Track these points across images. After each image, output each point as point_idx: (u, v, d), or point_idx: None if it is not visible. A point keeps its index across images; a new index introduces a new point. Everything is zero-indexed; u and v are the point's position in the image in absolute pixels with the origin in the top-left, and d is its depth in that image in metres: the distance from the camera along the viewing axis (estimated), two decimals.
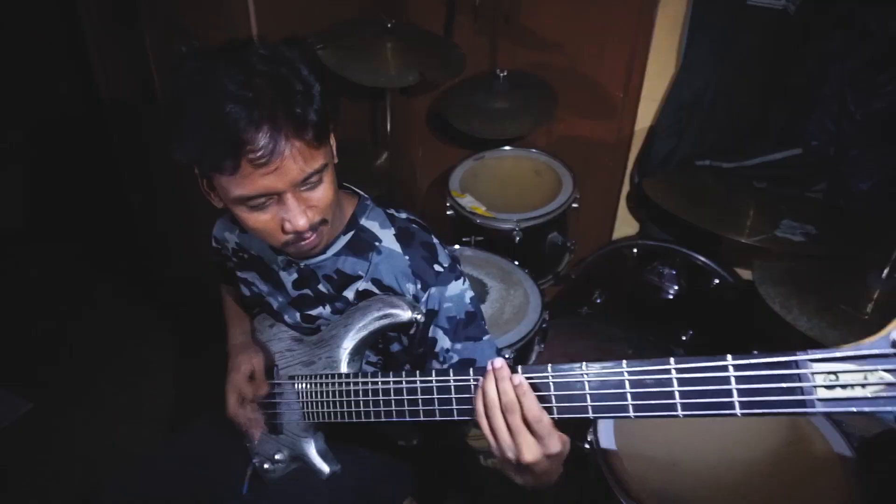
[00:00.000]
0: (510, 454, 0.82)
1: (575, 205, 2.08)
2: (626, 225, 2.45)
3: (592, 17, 2.17)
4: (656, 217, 2.27)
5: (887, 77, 1.67)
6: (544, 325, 1.75)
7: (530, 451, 0.80)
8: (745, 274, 1.98)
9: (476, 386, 0.86)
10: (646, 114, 2.20)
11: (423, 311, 1.06)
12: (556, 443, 0.81)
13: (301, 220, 0.93)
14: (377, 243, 1.09)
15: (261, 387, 1.19)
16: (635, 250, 2.13)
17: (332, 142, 1.00)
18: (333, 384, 1.04)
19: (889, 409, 0.60)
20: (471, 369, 0.87)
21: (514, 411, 0.80)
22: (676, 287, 1.98)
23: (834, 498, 1.20)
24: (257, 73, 0.86)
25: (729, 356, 0.68)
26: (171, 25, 2.02)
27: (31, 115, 2.98)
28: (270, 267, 1.18)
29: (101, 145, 2.65)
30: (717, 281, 1.99)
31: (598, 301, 1.97)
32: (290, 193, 0.91)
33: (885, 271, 1.48)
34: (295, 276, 1.14)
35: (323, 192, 0.95)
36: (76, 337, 2.53)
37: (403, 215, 1.13)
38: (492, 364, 0.82)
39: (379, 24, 2.04)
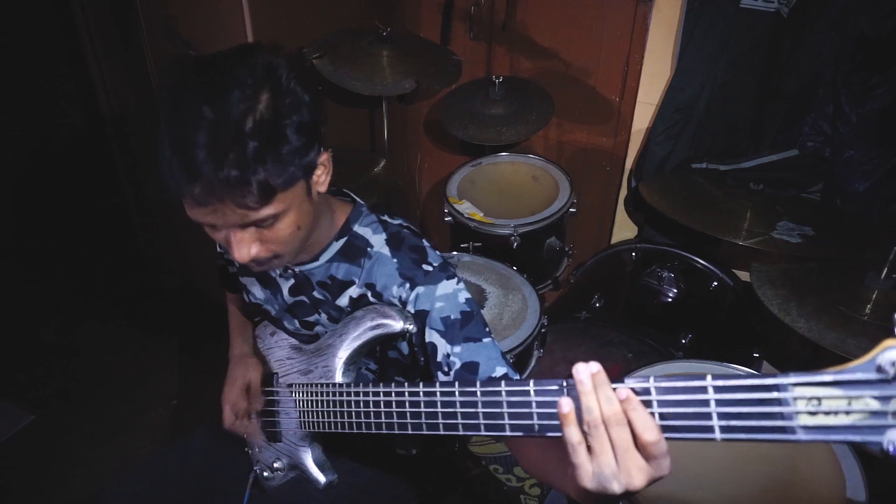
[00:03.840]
0: (615, 484, 0.66)
1: (572, 209, 2.08)
2: (624, 229, 2.45)
3: (587, 22, 2.18)
4: (654, 220, 2.27)
5: (881, 78, 1.67)
6: (543, 331, 1.75)
7: (641, 475, 0.66)
8: (744, 276, 1.98)
9: (535, 399, 0.74)
10: (642, 118, 2.21)
11: (412, 312, 1.03)
12: (668, 462, 0.67)
13: (242, 255, 0.90)
14: (369, 248, 1.09)
15: (255, 400, 1.18)
16: (634, 254, 2.13)
17: (320, 172, 0.95)
18: (329, 393, 1.03)
19: (874, 438, 0.55)
20: (478, 382, 0.80)
21: (623, 425, 0.66)
22: (675, 290, 1.97)
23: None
24: (219, 113, 0.81)
25: (709, 376, 0.64)
26: (169, 36, 2.04)
27: (32, 125, 3.00)
28: (269, 273, 1.18)
29: (101, 154, 2.67)
30: (715, 283, 1.99)
31: (597, 305, 1.97)
32: (231, 231, 0.89)
33: (884, 272, 1.48)
34: (292, 281, 1.15)
35: (278, 232, 0.92)
36: (75, 347, 2.53)
37: (397, 221, 1.13)
38: (588, 367, 0.68)
39: (375, 33, 2.05)
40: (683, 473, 1.25)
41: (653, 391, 0.67)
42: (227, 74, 0.84)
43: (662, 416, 0.66)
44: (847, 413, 0.57)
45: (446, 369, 1.00)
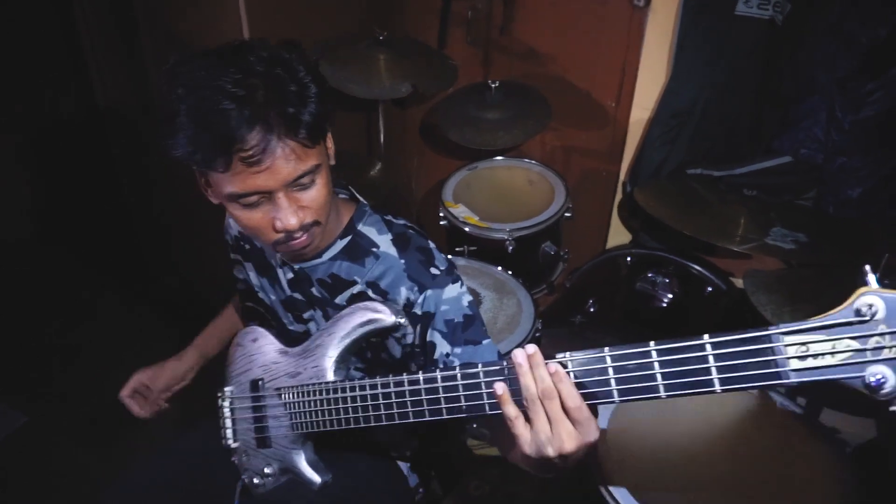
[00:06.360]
0: (549, 448, 0.78)
1: (568, 214, 2.09)
2: (619, 234, 2.45)
3: (584, 27, 2.19)
4: (649, 225, 2.28)
5: (874, 85, 1.68)
6: (537, 335, 1.75)
7: (571, 440, 0.77)
8: (739, 282, 1.98)
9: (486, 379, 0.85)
10: (638, 123, 2.22)
11: (419, 313, 1.05)
12: (594, 428, 0.78)
13: (292, 220, 0.94)
14: (374, 249, 1.10)
15: (148, 403, 1.40)
16: (629, 259, 2.13)
17: (330, 144, 1.01)
18: (320, 392, 1.04)
19: (856, 374, 0.63)
20: (479, 365, 0.86)
21: (553, 398, 0.77)
22: (670, 295, 1.98)
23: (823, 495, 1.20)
24: (252, 73, 0.88)
25: (706, 335, 0.71)
26: (169, 38, 2.04)
27: (31, 124, 2.99)
28: (269, 262, 1.19)
29: (101, 155, 2.67)
30: (710, 289, 1.99)
31: (592, 310, 1.97)
32: (281, 193, 0.92)
33: (875, 278, 1.48)
34: (291, 275, 1.15)
35: (316, 193, 0.96)
36: (74, 347, 2.53)
37: (401, 221, 1.14)
38: (525, 350, 0.80)
39: (372, 37, 2.06)
40: (681, 471, 1.27)
41: (569, 364, 0.80)
42: (244, 46, 0.92)
43: (664, 377, 0.74)
44: (832, 354, 0.64)
45: (442, 365, 1.03)
